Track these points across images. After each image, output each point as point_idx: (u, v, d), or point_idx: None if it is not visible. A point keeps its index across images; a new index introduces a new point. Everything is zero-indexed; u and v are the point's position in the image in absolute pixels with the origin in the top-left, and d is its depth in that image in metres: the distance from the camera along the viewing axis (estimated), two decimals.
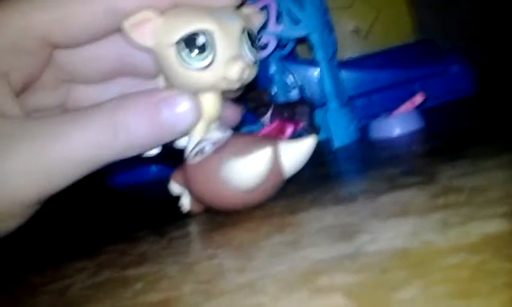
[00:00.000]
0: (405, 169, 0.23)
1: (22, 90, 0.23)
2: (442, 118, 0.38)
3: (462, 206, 0.16)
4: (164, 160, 0.29)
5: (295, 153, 0.22)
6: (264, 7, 0.37)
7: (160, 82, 0.26)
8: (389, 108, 0.37)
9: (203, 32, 0.22)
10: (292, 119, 0.37)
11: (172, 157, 0.28)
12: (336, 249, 0.15)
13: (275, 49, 0.40)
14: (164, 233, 0.23)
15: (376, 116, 0.39)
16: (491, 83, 0.46)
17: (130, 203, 0.39)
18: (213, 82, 0.23)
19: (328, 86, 0.36)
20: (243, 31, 0.23)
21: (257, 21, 0.26)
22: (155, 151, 0.26)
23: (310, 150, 0.23)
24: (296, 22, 0.36)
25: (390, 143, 0.32)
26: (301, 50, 0.50)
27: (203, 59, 0.22)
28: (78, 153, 0.20)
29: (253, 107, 0.38)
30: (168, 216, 0.27)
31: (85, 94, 0.27)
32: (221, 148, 0.22)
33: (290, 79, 0.44)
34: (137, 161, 0.28)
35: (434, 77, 0.43)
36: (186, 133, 0.23)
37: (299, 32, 0.36)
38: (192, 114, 0.22)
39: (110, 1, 0.22)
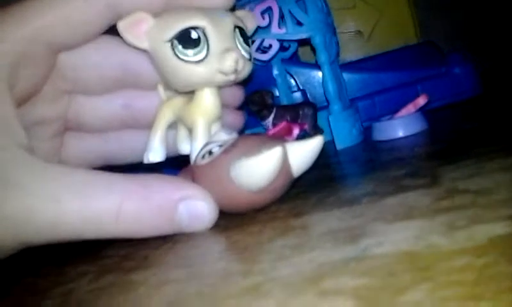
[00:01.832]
0: (409, 171, 0.23)
1: (23, 102, 0.23)
2: (445, 119, 0.38)
3: (467, 209, 0.16)
4: (166, 165, 0.29)
5: (303, 153, 0.22)
6: (267, 10, 0.37)
7: (160, 91, 0.27)
8: (392, 110, 0.37)
9: (195, 28, 0.23)
10: (295, 121, 0.37)
11: (175, 161, 0.28)
12: (341, 252, 0.15)
13: (278, 52, 0.40)
14: (167, 236, 0.23)
15: (378, 118, 0.39)
16: (494, 85, 0.46)
17: None
18: (209, 75, 0.23)
19: (331, 89, 0.36)
20: (235, 28, 0.24)
21: (251, 24, 0.27)
22: (159, 159, 0.26)
23: (318, 150, 0.22)
24: (298, 24, 0.36)
25: (393, 145, 0.32)
26: (303, 52, 0.50)
27: (198, 53, 0.23)
28: (74, 219, 0.20)
29: (256, 109, 0.38)
30: None
31: (86, 106, 0.26)
32: (229, 149, 0.22)
33: (292, 82, 0.44)
34: (140, 166, 0.28)
35: (436, 79, 0.42)
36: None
37: (301, 34, 0.36)
38: (211, 215, 0.22)
39: None
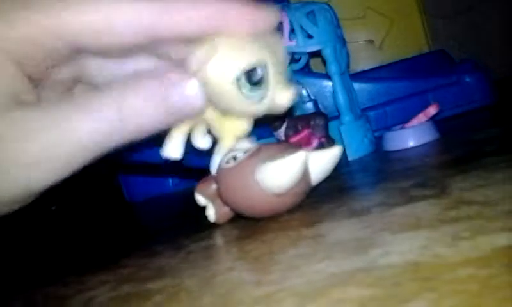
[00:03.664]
0: (418, 181, 0.24)
1: (40, 79, 0.23)
2: (456, 128, 0.39)
3: (472, 220, 0.16)
4: (180, 174, 0.29)
5: (322, 162, 0.23)
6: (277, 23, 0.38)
7: (208, 115, 0.26)
8: (403, 120, 0.38)
9: (260, 65, 0.21)
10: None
11: (188, 171, 0.29)
12: (350, 263, 0.16)
13: (289, 64, 0.41)
14: (182, 246, 0.24)
15: (389, 127, 0.39)
16: (505, 93, 0.46)
17: (148, 218, 0.40)
18: (267, 110, 0.22)
19: (341, 99, 0.37)
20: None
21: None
22: (176, 156, 0.26)
23: (336, 159, 0.24)
24: (308, 37, 0.37)
25: (404, 155, 0.32)
26: (315, 63, 0.50)
27: (261, 92, 0.21)
28: (86, 139, 0.20)
29: (268, 120, 0.38)
30: (184, 230, 0.28)
31: (99, 68, 0.26)
32: (254, 154, 0.23)
33: (304, 92, 0.45)
34: (154, 175, 0.29)
35: (447, 88, 0.43)
36: (193, 117, 0.22)
37: (312, 47, 0.37)
38: (200, 97, 0.21)
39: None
